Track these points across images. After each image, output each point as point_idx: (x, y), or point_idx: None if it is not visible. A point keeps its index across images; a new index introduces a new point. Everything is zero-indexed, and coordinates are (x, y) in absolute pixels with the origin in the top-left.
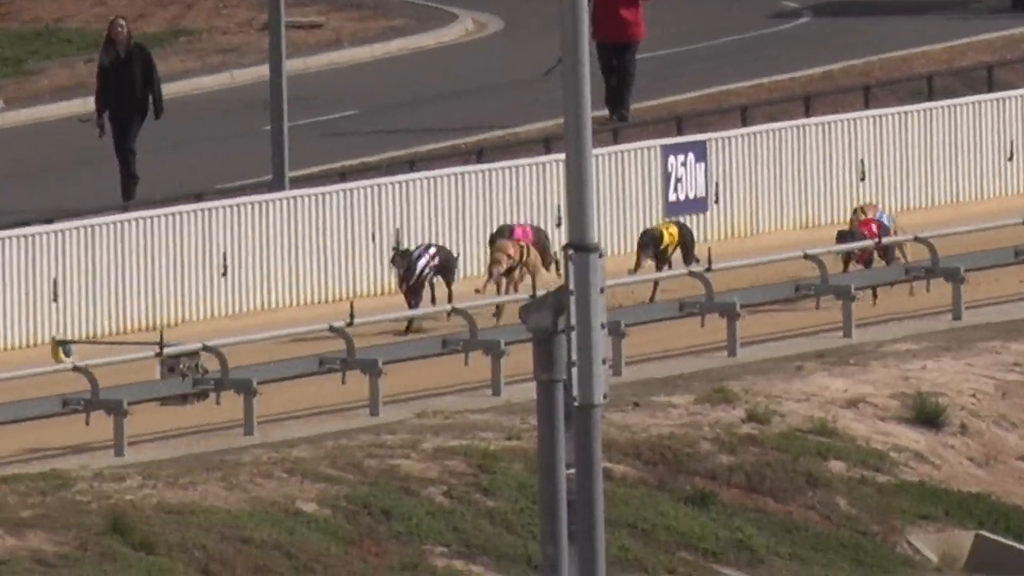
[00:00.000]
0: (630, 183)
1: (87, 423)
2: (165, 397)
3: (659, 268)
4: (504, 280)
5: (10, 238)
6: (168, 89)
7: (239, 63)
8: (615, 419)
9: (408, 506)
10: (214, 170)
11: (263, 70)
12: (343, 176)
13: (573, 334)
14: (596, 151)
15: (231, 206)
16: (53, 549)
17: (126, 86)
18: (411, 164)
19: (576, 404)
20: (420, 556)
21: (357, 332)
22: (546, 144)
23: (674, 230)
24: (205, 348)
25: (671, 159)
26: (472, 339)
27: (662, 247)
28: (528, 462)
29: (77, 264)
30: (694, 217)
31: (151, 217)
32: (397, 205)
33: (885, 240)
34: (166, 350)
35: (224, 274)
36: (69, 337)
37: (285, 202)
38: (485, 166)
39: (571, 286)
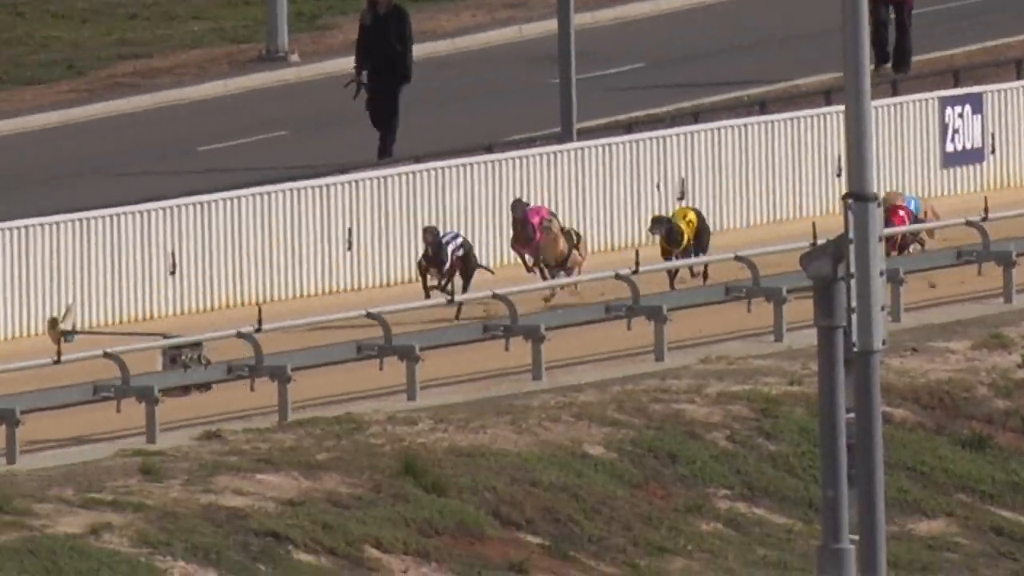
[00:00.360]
0: (908, 134)
1: (381, 368)
2: (189, 385)
3: (675, 254)
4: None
5: (305, 189)
6: (457, 43)
7: (527, 17)
8: (894, 364)
9: (692, 449)
10: (503, 122)
11: (551, 24)
12: (629, 128)
13: (852, 282)
14: (875, 103)
15: (520, 157)
16: (347, 491)
17: (384, 46)
18: (695, 116)
19: (855, 350)
20: (704, 498)
21: (641, 279)
22: (826, 96)
23: (692, 216)
24: (495, 296)
25: (948, 110)
26: (755, 286)
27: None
28: (809, 406)
29: (370, 213)
30: (969, 168)
31: (442, 168)
32: (681, 156)
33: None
34: (167, 341)
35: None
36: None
37: (572, 153)
38: (767, 117)
39: (850, 235)
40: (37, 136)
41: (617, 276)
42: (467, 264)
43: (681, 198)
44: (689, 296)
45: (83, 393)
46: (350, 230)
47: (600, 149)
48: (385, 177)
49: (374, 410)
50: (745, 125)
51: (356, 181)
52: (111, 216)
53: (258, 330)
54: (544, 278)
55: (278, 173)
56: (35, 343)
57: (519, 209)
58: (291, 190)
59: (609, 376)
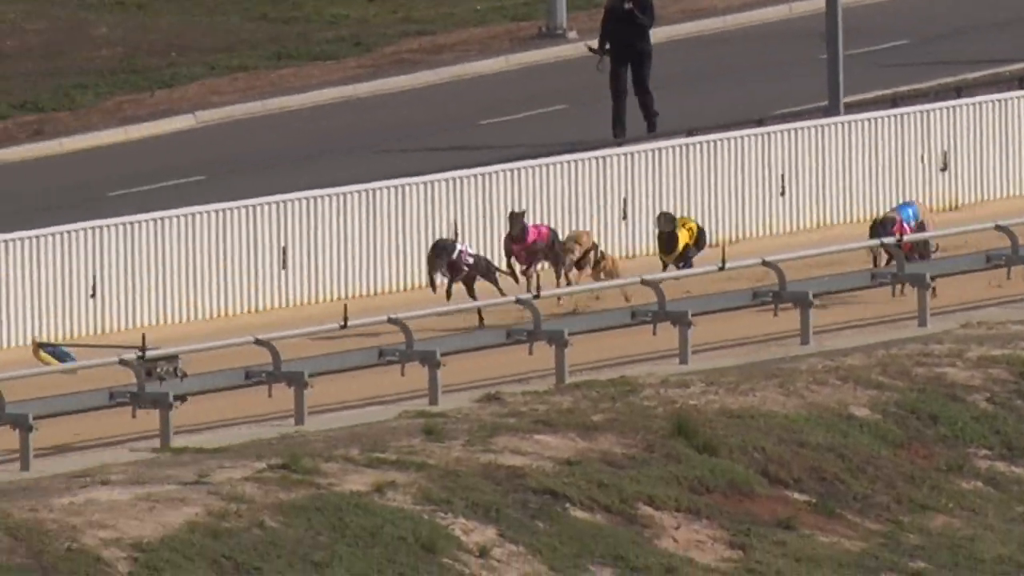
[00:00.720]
0: None
1: (654, 333)
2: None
3: (677, 265)
4: (575, 270)
5: (583, 161)
6: (728, 21)
7: None
8: None
9: (954, 411)
10: (773, 96)
11: (819, 2)
12: (894, 102)
13: None
14: None
15: (789, 130)
16: (621, 451)
17: (626, 29)
18: (958, 90)
19: None
20: (964, 458)
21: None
22: None
23: (692, 226)
24: (764, 263)
25: None
26: (1014, 254)
27: (682, 247)
28: None
29: (644, 185)
30: None
31: (714, 141)
32: (944, 129)
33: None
34: (146, 353)
35: (783, 193)
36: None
37: (839, 126)
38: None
39: None
40: (324, 110)
41: (882, 245)
42: (487, 273)
43: (944, 169)
44: (951, 264)
45: (368, 357)
46: (625, 200)
47: (866, 123)
48: (659, 150)
49: (647, 373)
50: (1005, 100)
51: (631, 153)
52: (396, 187)
53: (536, 296)
54: (568, 282)
55: (557, 146)
56: (323, 309)
57: (517, 224)
58: (569, 162)
59: (874, 341)
